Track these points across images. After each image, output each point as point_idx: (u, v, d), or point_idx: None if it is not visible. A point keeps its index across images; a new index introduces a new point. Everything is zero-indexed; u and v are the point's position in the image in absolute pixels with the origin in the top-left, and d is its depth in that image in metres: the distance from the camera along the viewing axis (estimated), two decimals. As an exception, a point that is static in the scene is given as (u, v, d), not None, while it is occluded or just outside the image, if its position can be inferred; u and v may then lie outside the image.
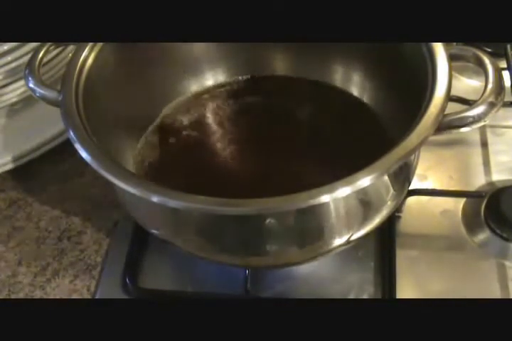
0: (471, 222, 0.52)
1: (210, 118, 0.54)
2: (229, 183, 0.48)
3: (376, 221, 0.42)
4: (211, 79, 0.56)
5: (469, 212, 0.52)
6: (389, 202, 0.42)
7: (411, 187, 0.46)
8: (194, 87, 0.56)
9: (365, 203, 0.39)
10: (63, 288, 0.52)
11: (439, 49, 0.40)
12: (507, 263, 0.49)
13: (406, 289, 0.48)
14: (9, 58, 0.51)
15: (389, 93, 0.49)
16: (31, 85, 0.44)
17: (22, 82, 0.53)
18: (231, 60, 0.55)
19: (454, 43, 0.54)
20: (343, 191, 0.34)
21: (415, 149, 0.36)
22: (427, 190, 0.54)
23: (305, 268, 0.50)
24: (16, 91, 0.54)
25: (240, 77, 0.56)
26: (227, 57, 0.55)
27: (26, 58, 0.48)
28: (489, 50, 0.60)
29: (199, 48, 0.53)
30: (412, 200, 0.53)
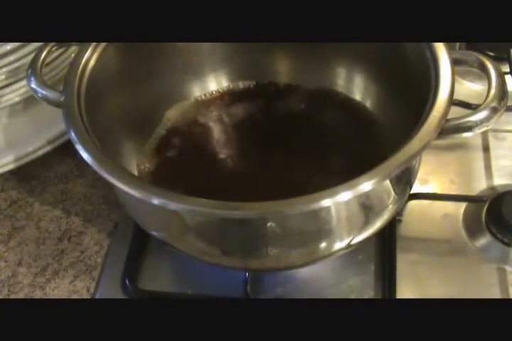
0: (472, 226, 0.52)
1: (212, 122, 0.54)
2: (231, 187, 0.48)
3: (377, 225, 0.42)
4: (214, 82, 0.56)
5: (470, 217, 0.52)
6: (390, 206, 0.42)
7: (412, 191, 0.46)
8: (197, 90, 0.56)
9: (367, 207, 0.39)
10: (63, 288, 0.52)
11: (443, 53, 0.40)
12: (507, 268, 0.49)
13: (406, 293, 0.48)
14: (12, 58, 0.51)
15: (392, 98, 0.49)
16: (33, 86, 0.44)
17: (24, 82, 0.52)
18: (233, 63, 0.55)
19: (457, 48, 0.54)
20: (345, 195, 0.34)
21: (417, 154, 0.36)
22: (428, 194, 0.54)
23: (305, 272, 0.50)
24: (17, 91, 0.54)
25: (243, 82, 0.56)
26: (229, 60, 0.55)
27: (29, 58, 0.48)
28: (492, 54, 0.60)
29: (201, 50, 0.53)
30: (413, 204, 0.53)
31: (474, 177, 0.55)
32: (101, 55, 0.45)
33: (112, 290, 0.51)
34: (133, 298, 0.50)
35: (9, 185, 0.61)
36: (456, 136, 0.38)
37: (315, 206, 0.34)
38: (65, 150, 0.56)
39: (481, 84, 0.61)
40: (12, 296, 0.52)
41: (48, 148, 0.57)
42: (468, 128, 0.38)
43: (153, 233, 0.45)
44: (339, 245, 0.41)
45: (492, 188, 0.54)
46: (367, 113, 0.52)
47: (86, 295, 0.51)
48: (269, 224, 0.37)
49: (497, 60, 0.49)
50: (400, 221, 0.52)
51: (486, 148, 0.57)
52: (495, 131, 0.58)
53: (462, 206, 0.53)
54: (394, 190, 0.40)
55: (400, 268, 0.49)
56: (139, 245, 0.53)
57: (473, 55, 0.41)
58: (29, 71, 0.45)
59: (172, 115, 0.54)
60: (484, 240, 0.51)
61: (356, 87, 0.53)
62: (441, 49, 0.40)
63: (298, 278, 0.50)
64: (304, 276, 0.50)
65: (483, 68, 0.40)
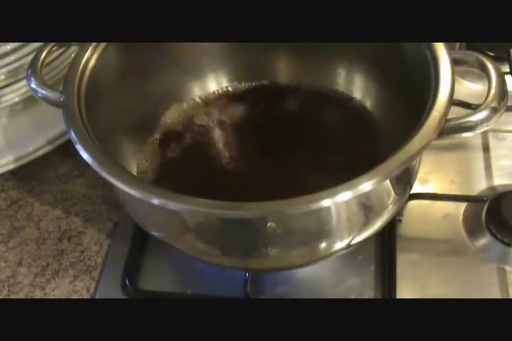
0: (472, 226, 0.52)
1: (212, 122, 0.54)
2: (231, 187, 0.48)
3: (377, 225, 0.42)
4: (214, 82, 0.56)
5: (470, 217, 0.52)
6: (390, 206, 0.42)
7: (412, 191, 0.46)
8: (197, 90, 0.56)
9: (367, 207, 0.39)
10: (63, 288, 0.52)
11: (443, 53, 0.40)
12: (507, 268, 0.49)
13: (406, 293, 0.48)
14: (12, 58, 0.51)
15: (392, 98, 0.49)
16: (33, 86, 0.44)
17: (24, 82, 0.52)
18: (233, 63, 0.55)
19: (457, 48, 0.54)
20: (345, 195, 0.34)
21: (417, 154, 0.36)
22: (428, 194, 0.54)
23: (305, 272, 0.50)
24: (17, 91, 0.54)
25: (243, 82, 0.56)
26: (229, 60, 0.55)
27: (29, 58, 0.48)
28: (492, 54, 0.60)
29: (201, 50, 0.53)
30: (413, 204, 0.53)
31: (474, 177, 0.55)
32: (101, 55, 0.45)
33: (111, 290, 0.51)
34: (133, 298, 0.50)
35: (9, 185, 0.61)
36: (456, 136, 0.38)
37: (315, 206, 0.34)
38: (65, 150, 0.56)
39: (481, 84, 0.61)
40: (12, 296, 0.52)
41: (48, 148, 0.57)
42: (468, 128, 0.38)
43: (153, 233, 0.45)
44: (339, 245, 0.41)
45: (492, 188, 0.54)
46: (367, 113, 0.52)
47: (86, 295, 0.51)
48: (269, 224, 0.37)
49: (497, 60, 0.49)
50: (400, 221, 0.52)
51: (486, 148, 0.57)
52: (495, 131, 0.58)
53: (462, 206, 0.53)
54: (394, 190, 0.40)
55: (400, 268, 0.49)
56: (139, 245, 0.53)
57: (473, 55, 0.41)
58: (29, 71, 0.45)
59: (172, 115, 0.54)
60: (484, 240, 0.51)
61: (356, 87, 0.53)
62: (441, 49, 0.40)
63: (298, 278, 0.50)
64: (304, 276, 0.50)
65: (483, 68, 0.40)
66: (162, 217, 0.42)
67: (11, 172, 0.58)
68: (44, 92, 0.44)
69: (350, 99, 0.54)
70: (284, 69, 0.56)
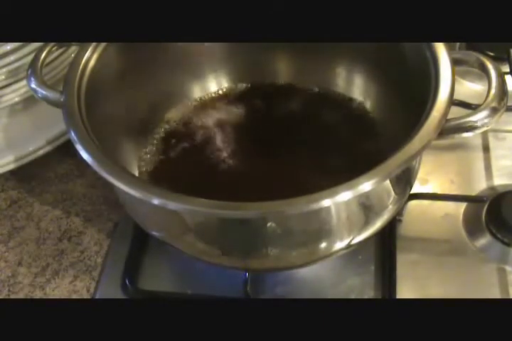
0: (472, 226, 0.52)
1: (212, 122, 0.54)
2: (231, 187, 0.48)
3: (377, 225, 0.42)
4: (214, 82, 0.56)
5: (470, 217, 0.52)
6: (390, 206, 0.42)
7: (412, 191, 0.46)
8: (197, 91, 0.56)
9: (367, 207, 0.39)
10: (63, 288, 0.52)
11: (443, 53, 0.40)
12: (507, 268, 0.49)
13: (406, 293, 0.48)
14: (12, 58, 0.51)
15: (392, 98, 0.49)
16: (33, 86, 0.44)
17: (24, 82, 0.52)
18: (233, 63, 0.55)
19: (457, 48, 0.54)
20: (345, 195, 0.34)
21: (417, 154, 0.36)
22: (428, 194, 0.54)
23: (305, 272, 0.50)
24: (17, 91, 0.54)
25: (243, 82, 0.56)
26: (229, 60, 0.55)
27: (29, 58, 0.48)
28: (492, 54, 0.60)
29: (201, 50, 0.53)
30: (413, 204, 0.53)
31: (474, 177, 0.55)
32: (101, 55, 0.45)
33: (112, 290, 0.51)
34: (133, 298, 0.50)
35: (9, 185, 0.61)
36: (456, 136, 0.38)
37: (315, 206, 0.34)
38: (65, 150, 0.56)
39: (481, 84, 0.61)
40: (12, 296, 0.52)
41: (48, 148, 0.57)
42: (468, 128, 0.38)
43: (153, 233, 0.45)
44: (339, 245, 0.41)
45: (492, 188, 0.54)
46: (367, 113, 0.53)
47: (86, 295, 0.51)
48: (269, 224, 0.37)
49: (497, 60, 0.49)
50: (400, 221, 0.52)
51: (486, 148, 0.57)
52: (495, 131, 0.58)
53: (462, 206, 0.53)
54: (394, 190, 0.40)
55: (400, 268, 0.49)
56: (139, 245, 0.53)
57: (473, 55, 0.41)
58: (29, 71, 0.45)
59: (172, 115, 0.54)
60: (484, 240, 0.51)
61: (356, 87, 0.53)
62: (441, 49, 0.40)
63: (298, 278, 0.50)
64: (304, 276, 0.50)
65: (483, 68, 0.40)
66: (162, 217, 0.42)
67: (11, 172, 0.58)
68: (44, 92, 0.44)
69: (350, 99, 0.54)
70: (284, 69, 0.56)
